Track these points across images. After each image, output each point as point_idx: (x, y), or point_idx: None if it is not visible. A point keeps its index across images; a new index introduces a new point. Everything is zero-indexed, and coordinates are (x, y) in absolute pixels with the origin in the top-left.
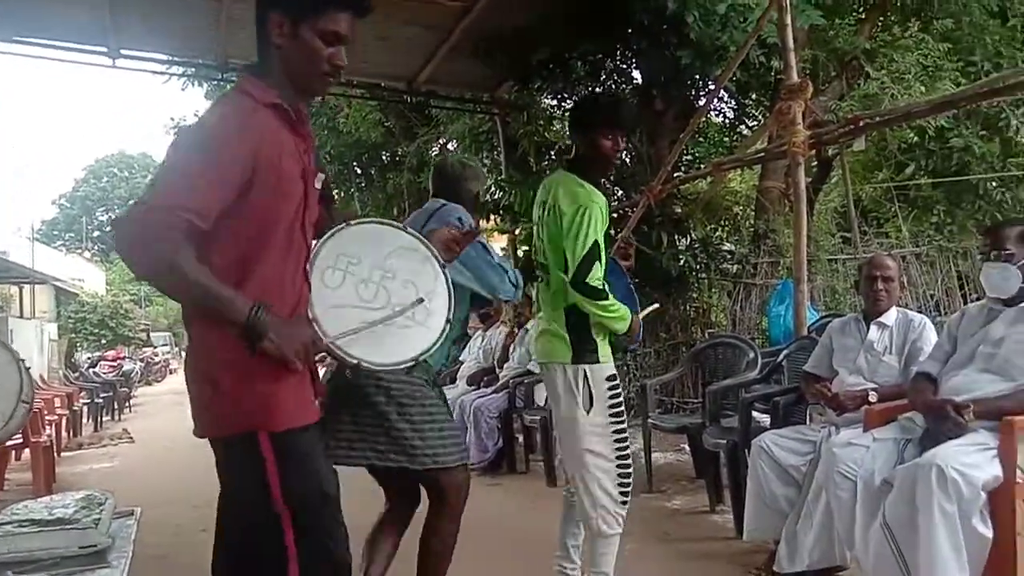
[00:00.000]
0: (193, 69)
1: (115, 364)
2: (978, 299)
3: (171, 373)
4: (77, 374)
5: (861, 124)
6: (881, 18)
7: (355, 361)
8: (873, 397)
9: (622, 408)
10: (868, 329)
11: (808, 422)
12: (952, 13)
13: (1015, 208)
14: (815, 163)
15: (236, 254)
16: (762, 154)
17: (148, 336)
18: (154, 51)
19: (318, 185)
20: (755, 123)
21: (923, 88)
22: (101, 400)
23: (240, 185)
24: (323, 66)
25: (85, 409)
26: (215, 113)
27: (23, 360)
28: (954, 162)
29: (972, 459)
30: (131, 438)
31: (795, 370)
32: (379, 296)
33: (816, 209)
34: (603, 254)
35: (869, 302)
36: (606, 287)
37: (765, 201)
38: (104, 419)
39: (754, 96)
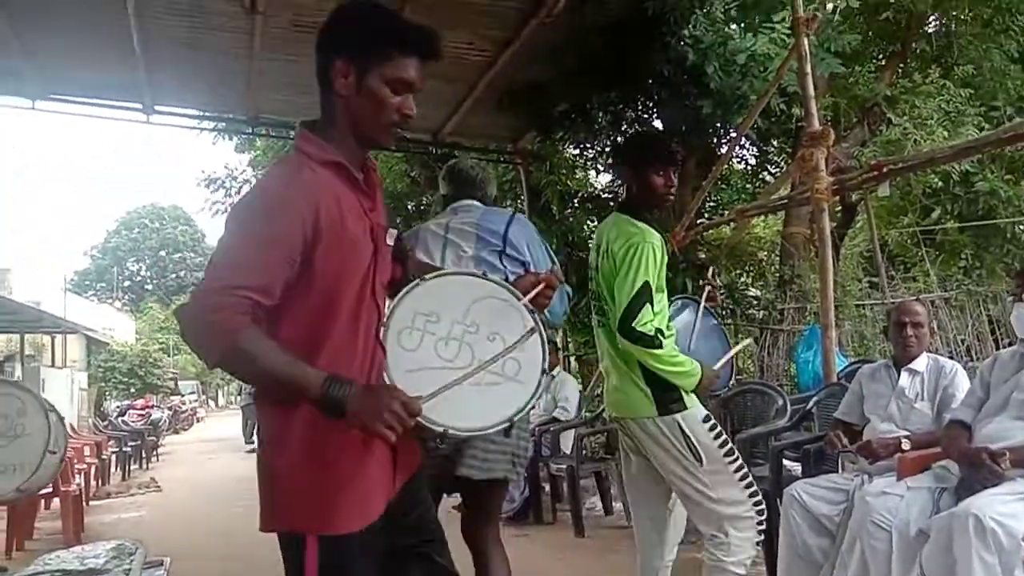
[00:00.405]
0: (224, 124)
1: (143, 413)
2: (1010, 344)
3: (198, 421)
4: (106, 423)
5: (884, 170)
6: (901, 65)
7: (440, 428)
8: (906, 445)
9: (731, 444)
10: (899, 376)
11: (840, 470)
12: (973, 59)
13: None
14: (839, 208)
15: (305, 324)
16: (785, 200)
17: (176, 384)
18: (187, 106)
19: (390, 242)
20: (777, 169)
21: (946, 133)
22: (129, 449)
23: (303, 253)
24: (391, 116)
25: (114, 458)
26: (270, 178)
27: (53, 410)
28: (980, 206)
29: (1010, 508)
30: (158, 487)
31: (825, 417)
32: (462, 354)
33: (842, 254)
34: (656, 296)
35: (899, 348)
36: (662, 333)
37: (790, 247)
38: (132, 468)
39: (776, 143)
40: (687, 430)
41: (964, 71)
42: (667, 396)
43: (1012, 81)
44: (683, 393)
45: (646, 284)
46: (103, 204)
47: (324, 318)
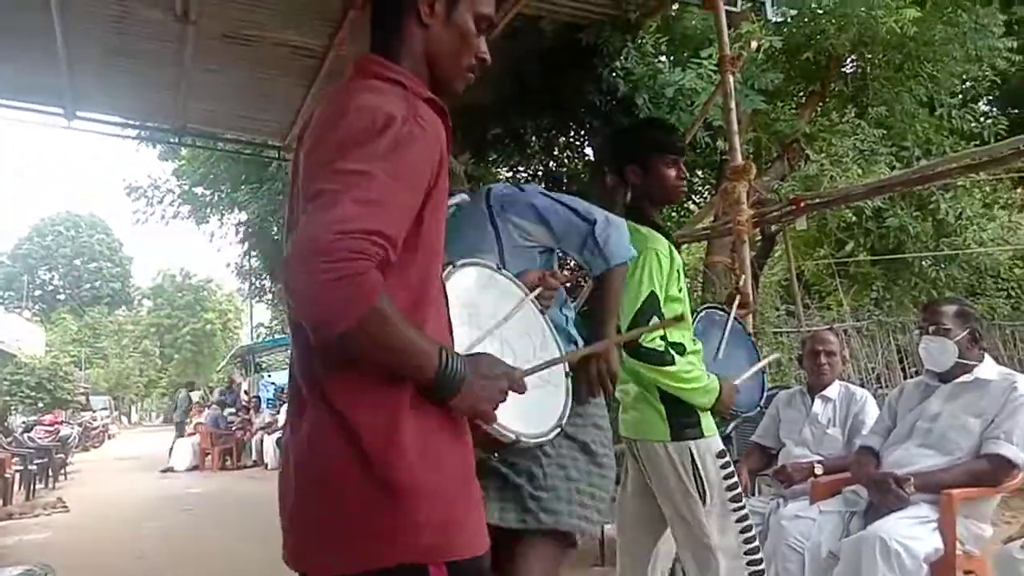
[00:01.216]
0: (148, 131)
1: (52, 429)
2: (917, 373)
3: (110, 438)
4: (10, 439)
5: (802, 205)
6: (820, 104)
7: (513, 436)
8: (819, 469)
9: (740, 489)
10: (812, 402)
11: (757, 494)
12: (885, 101)
13: (949, 285)
14: (759, 239)
15: (411, 292)
16: (708, 230)
17: (87, 400)
18: (111, 112)
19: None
20: (702, 199)
21: (860, 170)
22: (35, 467)
23: (420, 203)
24: (471, 58)
25: (17, 476)
26: (383, 99)
27: None
28: (891, 240)
29: (914, 532)
30: (66, 507)
31: (744, 441)
32: (505, 354)
33: (761, 283)
34: (667, 307)
35: (813, 376)
36: (679, 347)
37: (712, 275)
38: (38, 487)
39: (701, 174)
40: (698, 461)
41: (877, 112)
42: (683, 420)
43: (920, 124)
44: (701, 418)
45: (652, 295)
46: (14, 209)
47: (426, 286)
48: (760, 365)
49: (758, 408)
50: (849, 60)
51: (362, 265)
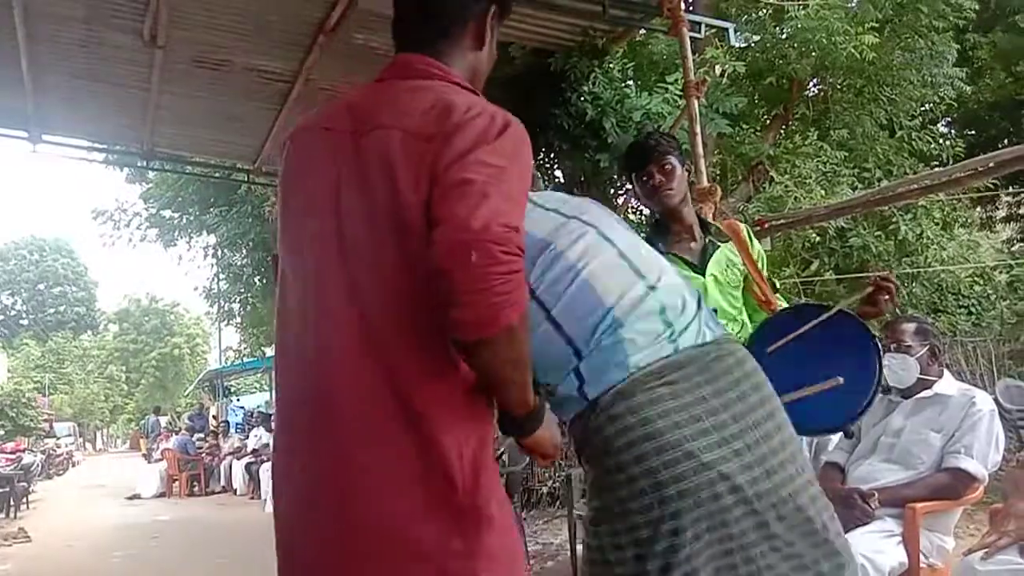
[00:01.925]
0: (116, 155)
1: (13, 457)
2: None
3: (74, 466)
4: None
5: (766, 225)
6: (783, 127)
7: None
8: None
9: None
10: None
11: None
12: (847, 124)
13: (911, 303)
14: None
15: None
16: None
17: (51, 426)
18: (77, 136)
19: None
20: None
21: (823, 192)
22: None
23: None
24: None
25: None
26: (484, 104)
27: None
28: (854, 260)
29: (878, 545)
30: (28, 538)
31: None
32: None
33: None
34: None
35: None
36: None
37: None
38: None
39: None
40: None
41: (839, 135)
42: None
43: (881, 146)
44: None
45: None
46: None
47: None
48: (810, 390)
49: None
50: (811, 84)
51: (521, 263)
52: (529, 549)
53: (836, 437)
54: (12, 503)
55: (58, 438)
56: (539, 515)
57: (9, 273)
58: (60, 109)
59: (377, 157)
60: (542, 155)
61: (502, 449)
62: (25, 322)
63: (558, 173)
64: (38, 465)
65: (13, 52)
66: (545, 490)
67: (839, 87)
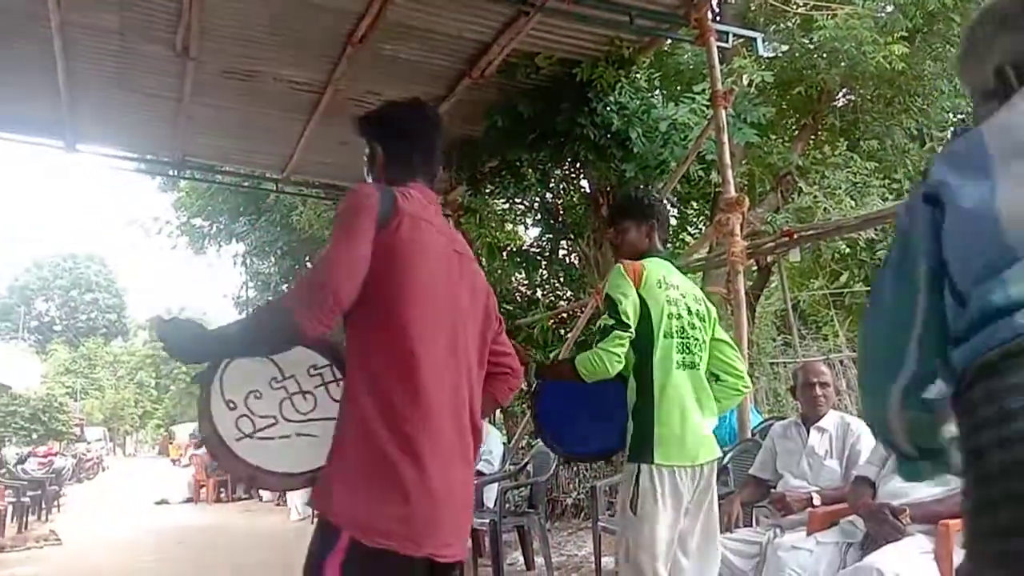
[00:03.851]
0: (147, 164)
1: (46, 460)
2: None
3: (104, 470)
4: (3, 471)
5: (795, 236)
6: (812, 137)
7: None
8: (817, 500)
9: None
10: (808, 433)
11: (755, 524)
12: (877, 134)
13: None
14: (755, 268)
15: None
16: (703, 262)
17: (82, 431)
18: (111, 145)
19: None
20: (696, 231)
21: (852, 202)
22: (28, 499)
23: None
24: None
25: (10, 508)
26: None
27: None
28: None
29: (910, 563)
30: (58, 540)
31: (740, 472)
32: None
33: (757, 313)
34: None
35: (808, 407)
36: None
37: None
38: (30, 519)
39: (695, 205)
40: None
41: (869, 145)
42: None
43: (911, 157)
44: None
45: None
46: (14, 243)
47: None
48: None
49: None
50: (840, 94)
51: None
52: (553, 561)
53: (867, 451)
54: (44, 506)
55: (89, 443)
56: (563, 526)
57: (43, 280)
58: (94, 118)
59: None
60: (567, 165)
61: (526, 460)
62: (58, 328)
63: (584, 183)
64: (69, 469)
65: (50, 63)
66: (570, 501)
67: (869, 97)
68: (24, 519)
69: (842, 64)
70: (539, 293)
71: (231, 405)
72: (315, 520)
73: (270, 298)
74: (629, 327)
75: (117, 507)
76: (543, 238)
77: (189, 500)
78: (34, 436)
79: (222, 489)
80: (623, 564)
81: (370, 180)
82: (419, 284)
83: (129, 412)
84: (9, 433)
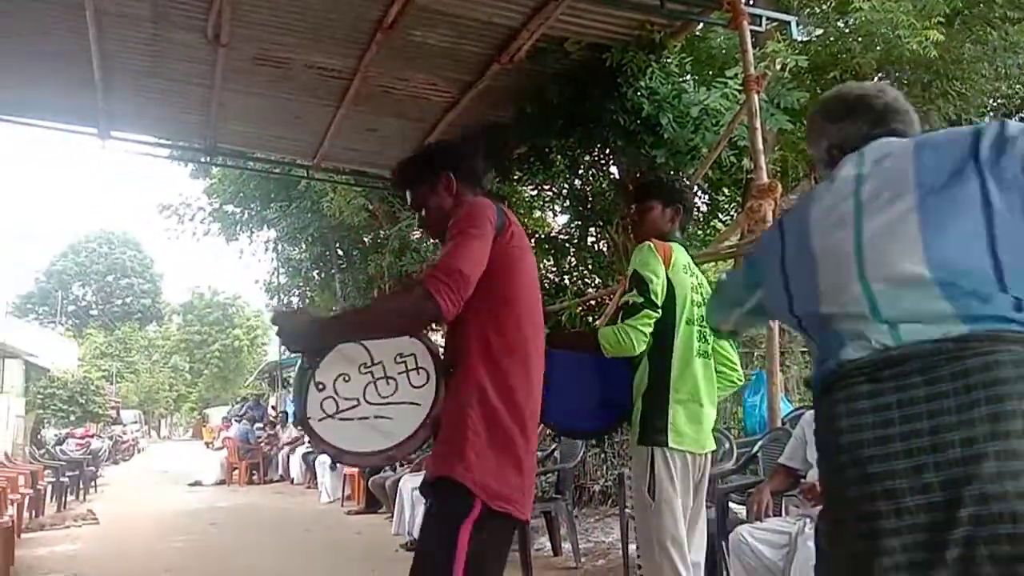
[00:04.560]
0: (180, 151)
1: (83, 442)
2: None
3: (139, 452)
4: (43, 451)
5: None
6: None
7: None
8: None
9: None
10: None
11: (784, 514)
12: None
13: None
14: None
15: None
16: (734, 249)
17: (118, 413)
18: (144, 133)
19: None
20: (728, 217)
21: None
22: (66, 479)
23: None
24: None
25: (49, 488)
26: None
27: None
28: None
29: None
30: (96, 520)
31: (770, 461)
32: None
33: None
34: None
35: None
36: None
37: None
38: (69, 499)
39: (727, 192)
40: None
41: None
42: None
43: None
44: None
45: None
46: (51, 226)
47: None
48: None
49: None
50: (876, 79)
51: None
52: (580, 547)
53: None
54: (82, 486)
55: (125, 425)
56: (591, 513)
57: (80, 265)
58: (128, 106)
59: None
60: (596, 151)
61: (553, 447)
62: (95, 312)
63: (613, 169)
64: (106, 451)
65: (85, 51)
66: (597, 488)
67: (905, 81)
68: (63, 499)
69: (878, 48)
70: (567, 280)
71: (320, 387)
72: (434, 487)
73: (301, 283)
74: (658, 307)
75: (152, 488)
76: (571, 225)
77: (222, 482)
78: (72, 418)
79: (254, 472)
80: (648, 555)
81: (447, 206)
82: (525, 283)
83: (164, 395)
84: (48, 415)
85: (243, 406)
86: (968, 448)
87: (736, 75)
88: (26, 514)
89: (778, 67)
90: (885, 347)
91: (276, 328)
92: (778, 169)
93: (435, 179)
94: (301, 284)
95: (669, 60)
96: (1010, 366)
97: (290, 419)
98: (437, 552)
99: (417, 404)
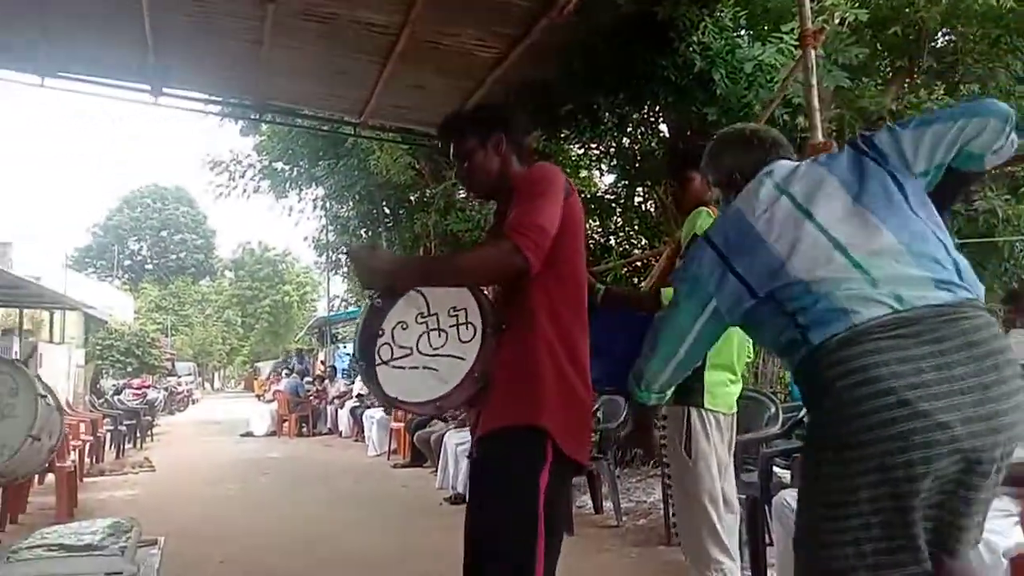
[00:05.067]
0: (230, 108)
1: (140, 392)
2: None
3: (194, 403)
4: (102, 400)
5: None
6: (908, 80)
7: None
8: None
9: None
10: None
11: None
12: (979, 77)
13: None
14: None
15: None
16: None
17: (173, 365)
18: (194, 89)
19: None
20: None
21: None
22: (124, 428)
23: None
24: None
25: (108, 436)
26: None
27: (47, 396)
28: (980, 224)
29: (994, 525)
30: (152, 467)
31: None
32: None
33: None
34: None
35: None
36: None
37: None
38: (126, 447)
39: None
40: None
41: (970, 89)
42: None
43: (1017, 101)
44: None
45: None
46: (106, 181)
47: None
48: None
49: None
50: (940, 34)
51: None
52: (622, 506)
53: None
54: (139, 435)
55: (179, 377)
56: (632, 473)
57: (135, 220)
58: (179, 63)
59: None
60: (646, 109)
61: (596, 406)
62: (150, 267)
63: (663, 127)
64: (161, 401)
65: (136, 8)
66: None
67: (972, 37)
68: (121, 446)
69: (943, 1)
70: (612, 241)
71: (381, 332)
72: (504, 437)
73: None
74: None
75: (205, 438)
76: (618, 185)
77: (272, 433)
78: (129, 369)
79: (303, 424)
80: (686, 512)
81: (494, 167)
82: (580, 245)
83: (217, 349)
84: (107, 365)
85: (285, 359)
86: (986, 391)
87: (792, 29)
88: (87, 460)
89: (836, 21)
90: (894, 309)
91: (353, 262)
92: (834, 128)
93: (487, 138)
94: (349, 242)
95: (723, 14)
96: (990, 327)
97: (338, 374)
98: (517, 500)
99: (462, 359)
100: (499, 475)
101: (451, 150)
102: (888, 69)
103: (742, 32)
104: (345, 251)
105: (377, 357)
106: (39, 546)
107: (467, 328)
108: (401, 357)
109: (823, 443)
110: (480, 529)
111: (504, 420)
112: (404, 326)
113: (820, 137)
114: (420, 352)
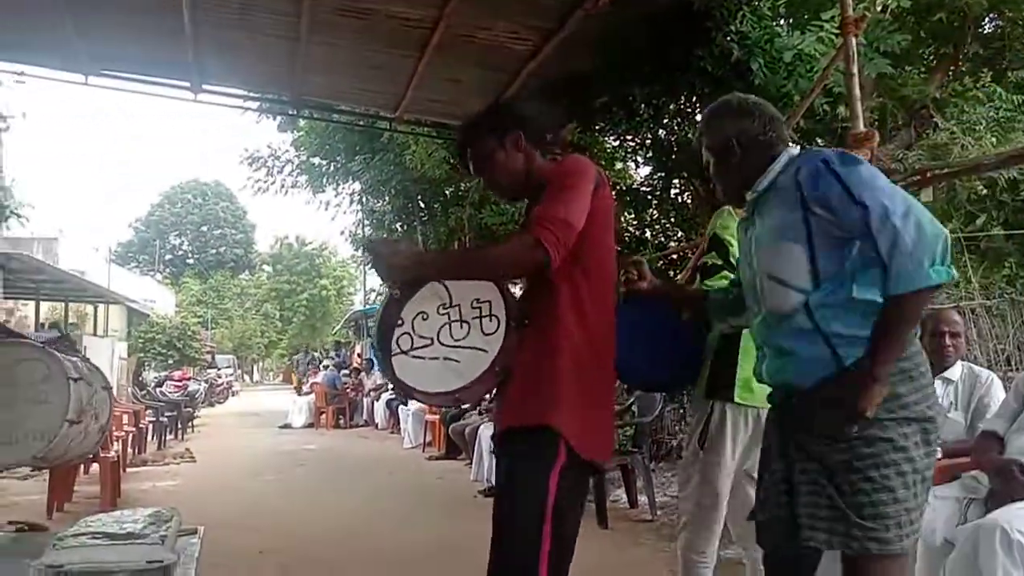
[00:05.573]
0: (268, 104)
1: (181, 384)
2: None
3: (233, 395)
4: (144, 392)
5: (929, 175)
6: (952, 68)
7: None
8: (937, 453)
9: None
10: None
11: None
12: None
13: None
14: None
15: None
16: None
17: (213, 358)
18: (233, 86)
19: None
20: None
21: (994, 139)
22: (166, 419)
23: None
24: None
25: (150, 427)
26: None
27: (80, 379)
28: None
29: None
30: (193, 458)
31: None
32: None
33: None
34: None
35: (935, 357)
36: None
37: None
38: (168, 438)
39: (820, 142)
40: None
41: (1017, 76)
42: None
43: None
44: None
45: None
46: (148, 177)
47: None
48: None
49: None
50: (986, 20)
51: None
52: (657, 500)
53: (996, 404)
54: (180, 426)
55: (219, 369)
56: (668, 467)
57: (176, 215)
58: (217, 59)
59: None
60: (683, 99)
61: (631, 400)
62: (191, 261)
63: (699, 118)
64: (202, 393)
65: (176, 5)
66: (674, 442)
67: (1020, 22)
68: (163, 437)
69: None
70: (648, 233)
71: (400, 322)
72: (520, 435)
73: (384, 234)
74: (736, 271)
75: (245, 430)
76: (654, 176)
77: (310, 425)
78: (170, 361)
79: (340, 416)
80: (687, 496)
81: (518, 164)
82: (610, 238)
83: (256, 342)
84: (149, 358)
85: (306, 352)
86: None
87: (832, 17)
88: (129, 450)
89: (879, 8)
90: None
91: (372, 256)
92: (876, 118)
93: (504, 137)
94: (384, 236)
95: (761, 2)
96: None
97: (375, 366)
98: (528, 499)
99: (484, 351)
100: (510, 474)
101: (471, 159)
102: (932, 57)
103: (781, 21)
104: (364, 245)
105: (395, 346)
106: (84, 534)
107: (491, 320)
108: (421, 347)
109: None
110: (494, 525)
111: (518, 419)
112: (425, 316)
113: (862, 127)
114: (441, 343)
